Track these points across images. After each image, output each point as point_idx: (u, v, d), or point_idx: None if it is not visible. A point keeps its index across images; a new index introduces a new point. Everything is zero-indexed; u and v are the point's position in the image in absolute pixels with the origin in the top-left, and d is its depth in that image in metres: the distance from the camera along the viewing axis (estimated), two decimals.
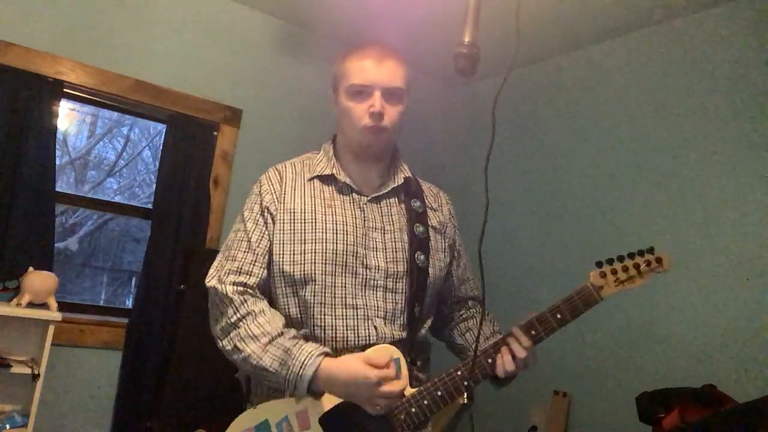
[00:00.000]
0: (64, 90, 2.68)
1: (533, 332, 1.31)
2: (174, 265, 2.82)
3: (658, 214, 2.49)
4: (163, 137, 2.99)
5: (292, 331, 1.29)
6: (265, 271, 1.35)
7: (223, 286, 1.31)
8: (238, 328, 1.28)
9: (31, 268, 2.43)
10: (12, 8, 2.59)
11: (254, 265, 1.34)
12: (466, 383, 1.28)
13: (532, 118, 3.19)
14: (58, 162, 2.67)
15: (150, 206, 2.97)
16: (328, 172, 1.41)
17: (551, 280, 2.86)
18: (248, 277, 1.33)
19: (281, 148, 3.20)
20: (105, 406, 2.72)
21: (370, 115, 1.34)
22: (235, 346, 1.28)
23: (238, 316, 1.29)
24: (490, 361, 1.31)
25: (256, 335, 1.26)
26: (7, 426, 2.30)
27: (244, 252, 1.35)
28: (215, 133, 3.03)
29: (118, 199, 4.61)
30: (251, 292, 1.33)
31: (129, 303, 4.02)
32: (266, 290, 1.36)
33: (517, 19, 1.53)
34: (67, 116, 4.33)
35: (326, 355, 1.24)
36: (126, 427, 2.69)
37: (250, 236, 1.36)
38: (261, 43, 3.18)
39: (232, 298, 1.30)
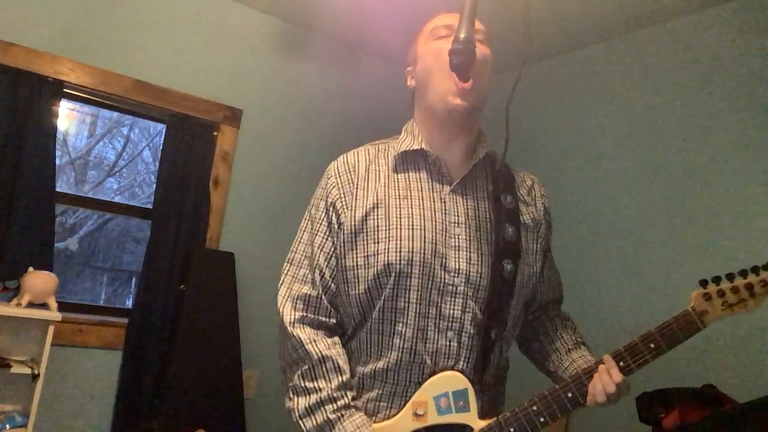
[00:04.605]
0: (64, 90, 2.68)
1: (621, 364, 1.17)
2: (174, 265, 2.83)
3: (659, 213, 2.49)
4: (163, 137, 2.99)
5: (344, 398, 1.16)
6: (330, 277, 1.22)
7: (290, 315, 1.21)
8: (294, 371, 1.19)
9: (31, 268, 2.44)
10: (12, 8, 2.59)
11: (315, 272, 1.22)
12: (542, 419, 1.14)
13: (531, 118, 3.18)
14: (58, 162, 2.67)
15: (150, 206, 2.98)
16: (416, 146, 1.25)
17: None
18: (312, 287, 1.22)
19: (281, 148, 3.24)
20: (105, 406, 2.72)
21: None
22: (289, 388, 1.20)
23: (298, 355, 1.19)
24: (571, 395, 1.16)
25: (308, 389, 1.16)
26: (7, 426, 2.30)
27: (309, 258, 1.24)
28: (215, 133, 3.03)
29: (118, 199, 4.61)
30: (316, 319, 1.21)
31: (129, 303, 4.02)
32: (334, 299, 1.24)
33: (526, 17, 1.51)
34: (67, 116, 4.32)
35: None
36: (126, 428, 2.69)
37: (313, 239, 1.24)
38: (261, 43, 3.18)
39: (294, 334, 1.19)
